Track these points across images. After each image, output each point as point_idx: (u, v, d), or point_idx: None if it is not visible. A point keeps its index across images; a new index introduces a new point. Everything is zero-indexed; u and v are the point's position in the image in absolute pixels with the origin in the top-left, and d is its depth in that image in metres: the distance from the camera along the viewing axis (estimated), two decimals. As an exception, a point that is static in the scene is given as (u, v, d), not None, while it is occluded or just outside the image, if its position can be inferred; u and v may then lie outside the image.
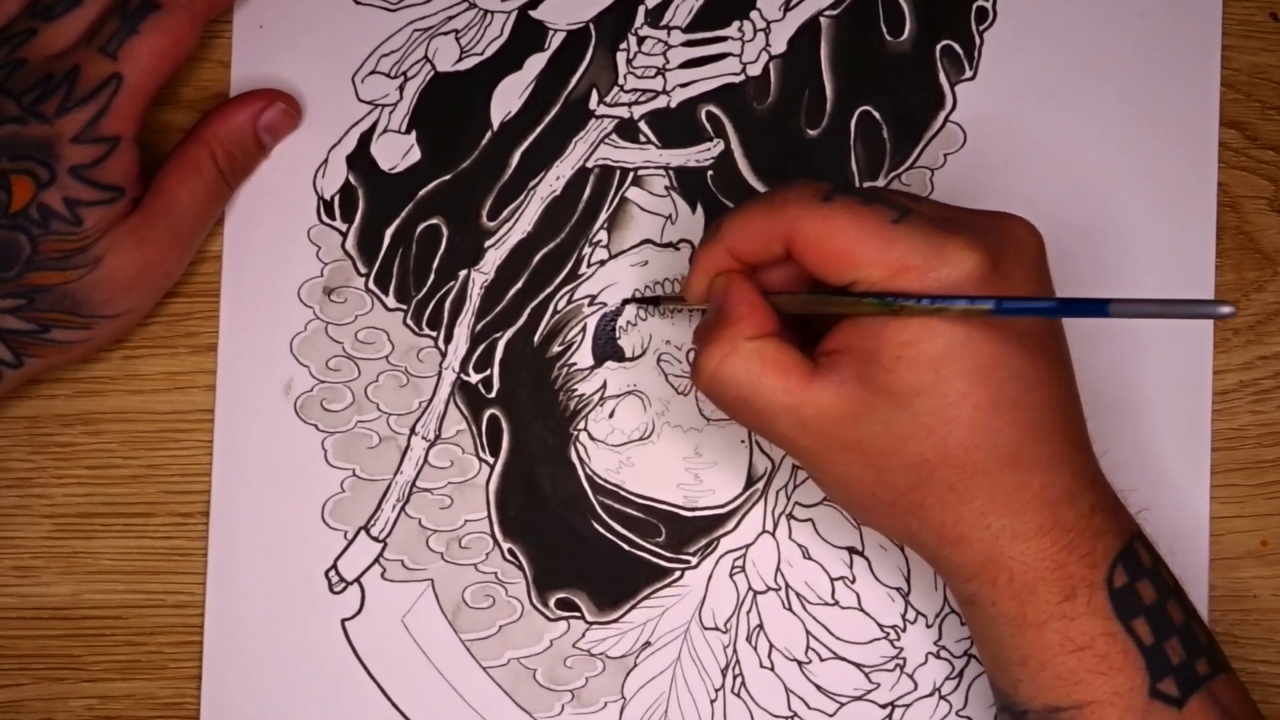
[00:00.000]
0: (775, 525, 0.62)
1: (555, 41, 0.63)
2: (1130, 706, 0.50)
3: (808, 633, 0.62)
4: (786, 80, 0.63)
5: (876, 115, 0.63)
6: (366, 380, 0.62)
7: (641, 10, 0.63)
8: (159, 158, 0.62)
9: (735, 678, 0.62)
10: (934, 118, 0.63)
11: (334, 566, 0.61)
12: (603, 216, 0.63)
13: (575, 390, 0.62)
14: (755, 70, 0.63)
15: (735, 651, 0.62)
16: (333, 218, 0.62)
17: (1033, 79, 0.63)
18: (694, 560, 0.62)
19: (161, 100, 0.62)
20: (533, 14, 0.63)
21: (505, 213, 0.62)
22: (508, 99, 0.63)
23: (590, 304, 0.62)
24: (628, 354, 0.62)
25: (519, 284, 0.62)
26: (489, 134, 0.62)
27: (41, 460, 0.62)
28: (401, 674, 0.61)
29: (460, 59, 0.63)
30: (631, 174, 0.63)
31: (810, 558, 0.62)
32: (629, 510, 0.62)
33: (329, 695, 0.61)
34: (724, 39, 0.63)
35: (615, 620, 0.62)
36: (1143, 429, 0.62)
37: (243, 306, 0.62)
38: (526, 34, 0.63)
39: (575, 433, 0.62)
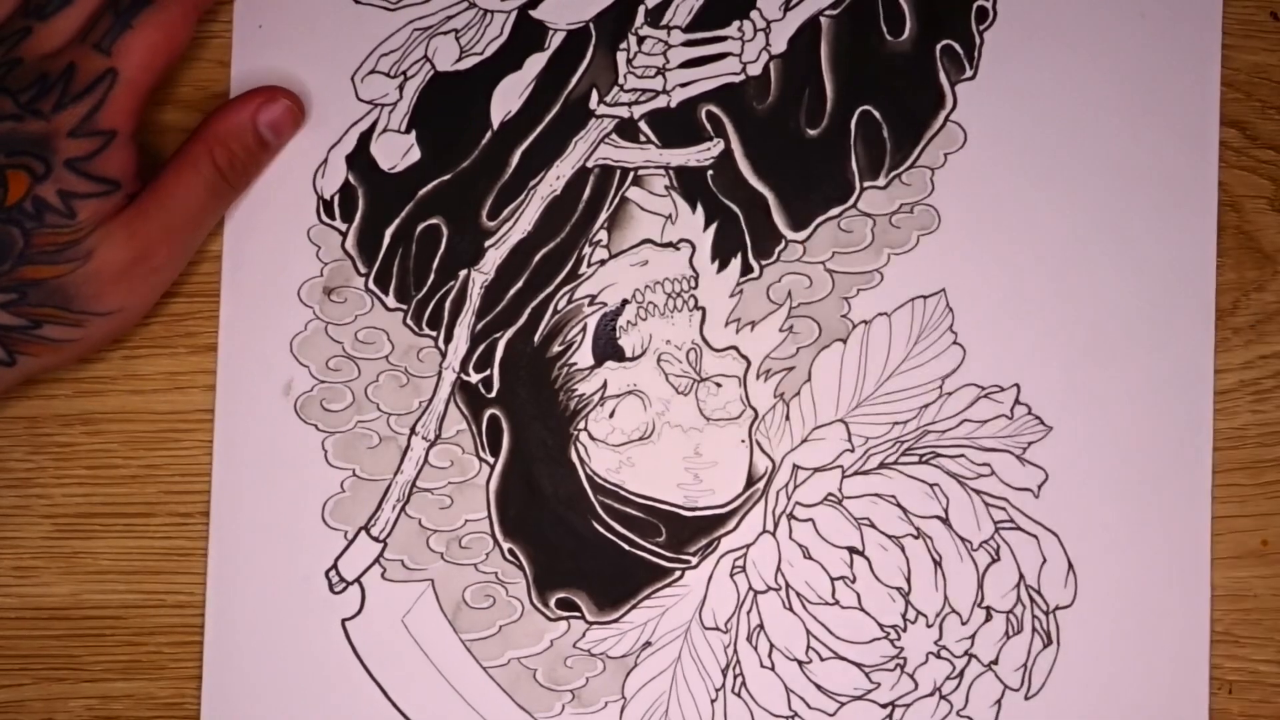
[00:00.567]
0: (775, 525, 0.62)
1: (555, 41, 0.63)
2: None
3: (808, 632, 0.62)
4: (787, 80, 0.63)
5: (877, 115, 0.63)
6: (366, 380, 0.62)
7: (641, 10, 0.63)
8: (159, 158, 0.62)
9: (736, 677, 0.62)
10: (934, 117, 0.63)
11: (334, 566, 0.61)
12: (603, 216, 0.63)
13: (575, 390, 0.62)
14: (755, 70, 0.63)
15: (736, 651, 0.62)
16: (333, 217, 0.62)
17: (1033, 79, 0.63)
18: (694, 560, 0.62)
19: (161, 100, 0.62)
20: (533, 14, 0.63)
21: (505, 212, 0.62)
22: (508, 99, 0.62)
23: (590, 304, 0.62)
24: (628, 354, 0.62)
25: (519, 284, 0.62)
26: (489, 134, 0.62)
27: (41, 460, 0.62)
28: (401, 674, 0.61)
29: (460, 59, 0.63)
30: (631, 174, 0.63)
31: (810, 557, 0.62)
32: (629, 510, 0.62)
33: (329, 695, 0.61)
34: (724, 39, 0.63)
35: (615, 620, 0.62)
36: (1143, 429, 0.62)
37: (243, 306, 0.62)
38: (526, 34, 0.63)
39: (575, 433, 0.62)
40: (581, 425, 0.62)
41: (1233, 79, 0.63)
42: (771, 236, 0.62)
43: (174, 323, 0.62)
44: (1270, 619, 0.62)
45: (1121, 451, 0.62)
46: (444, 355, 0.62)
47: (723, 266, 0.62)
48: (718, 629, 0.62)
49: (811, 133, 0.63)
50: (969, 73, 0.63)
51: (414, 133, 0.62)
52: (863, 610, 0.62)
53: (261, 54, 0.63)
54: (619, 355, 0.62)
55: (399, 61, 0.63)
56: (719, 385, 0.62)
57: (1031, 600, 0.61)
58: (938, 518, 0.62)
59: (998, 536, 0.62)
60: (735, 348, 0.62)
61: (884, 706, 0.61)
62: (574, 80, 0.63)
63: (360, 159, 0.62)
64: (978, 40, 0.63)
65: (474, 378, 0.62)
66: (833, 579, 0.62)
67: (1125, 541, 0.61)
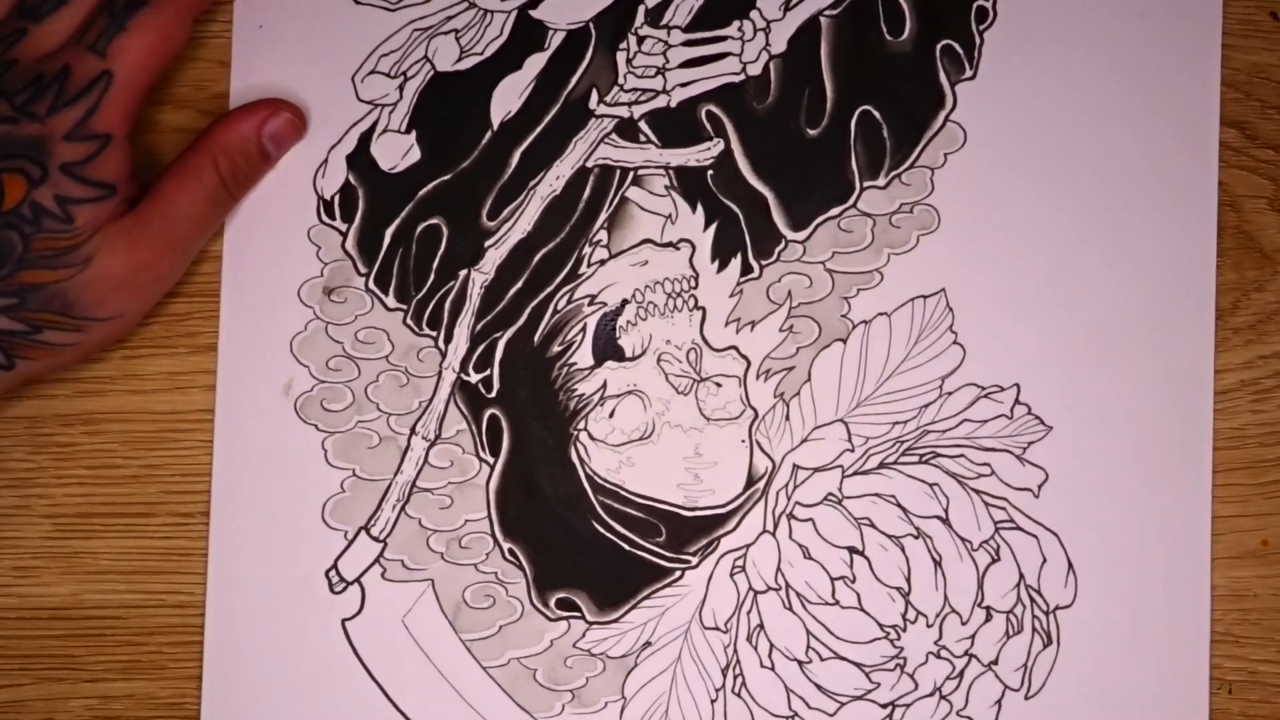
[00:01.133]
0: (775, 525, 0.62)
1: (555, 41, 0.63)
2: None
3: (808, 632, 0.62)
4: (786, 80, 0.63)
5: (877, 115, 0.63)
6: (366, 380, 0.62)
7: (641, 10, 0.63)
8: (157, 158, 0.62)
9: (736, 677, 0.62)
10: (934, 117, 0.63)
11: (334, 566, 0.61)
12: (603, 216, 0.63)
13: (575, 390, 0.62)
14: (755, 70, 0.63)
15: (736, 651, 0.62)
16: (333, 217, 0.62)
17: (1033, 78, 0.63)
18: (694, 560, 0.62)
19: (160, 100, 0.62)
20: (533, 14, 0.63)
21: (505, 212, 0.62)
22: (508, 99, 0.63)
23: (590, 304, 0.62)
24: (628, 354, 0.62)
25: (519, 284, 0.62)
26: (489, 134, 0.62)
27: (41, 460, 0.62)
28: (402, 674, 0.61)
29: (460, 59, 0.63)
30: (631, 173, 0.63)
31: (810, 557, 0.62)
32: (629, 510, 0.62)
33: (329, 695, 0.61)
34: (724, 38, 0.63)
35: (615, 620, 0.62)
36: (1143, 429, 0.62)
37: (243, 306, 0.62)
38: (526, 34, 0.63)
39: (575, 432, 0.62)
40: (581, 425, 0.62)
41: (1233, 79, 0.63)
42: (771, 236, 0.62)
43: (174, 323, 0.62)
44: (1270, 619, 0.62)
45: (1121, 451, 0.62)
46: (444, 355, 0.62)
47: (723, 266, 0.63)
48: (718, 629, 0.62)
49: (811, 133, 0.63)
50: (969, 73, 0.63)
51: (414, 133, 0.63)
52: (863, 610, 0.62)
53: (261, 54, 0.63)
54: (619, 355, 0.62)
55: (399, 62, 0.63)
56: (719, 385, 0.62)
57: (1031, 600, 0.61)
58: (938, 518, 0.62)
59: (998, 536, 0.62)
60: (735, 348, 0.62)
61: (884, 706, 0.61)
62: (574, 80, 0.63)
63: (360, 159, 0.62)
64: (978, 40, 0.63)
65: (474, 378, 0.62)
66: (833, 579, 0.62)
67: (1125, 541, 0.61)
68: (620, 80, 0.63)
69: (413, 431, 0.62)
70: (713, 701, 0.62)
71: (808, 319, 0.62)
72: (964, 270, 0.62)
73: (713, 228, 0.63)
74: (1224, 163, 0.63)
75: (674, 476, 0.62)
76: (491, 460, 0.62)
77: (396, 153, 0.62)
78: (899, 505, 0.62)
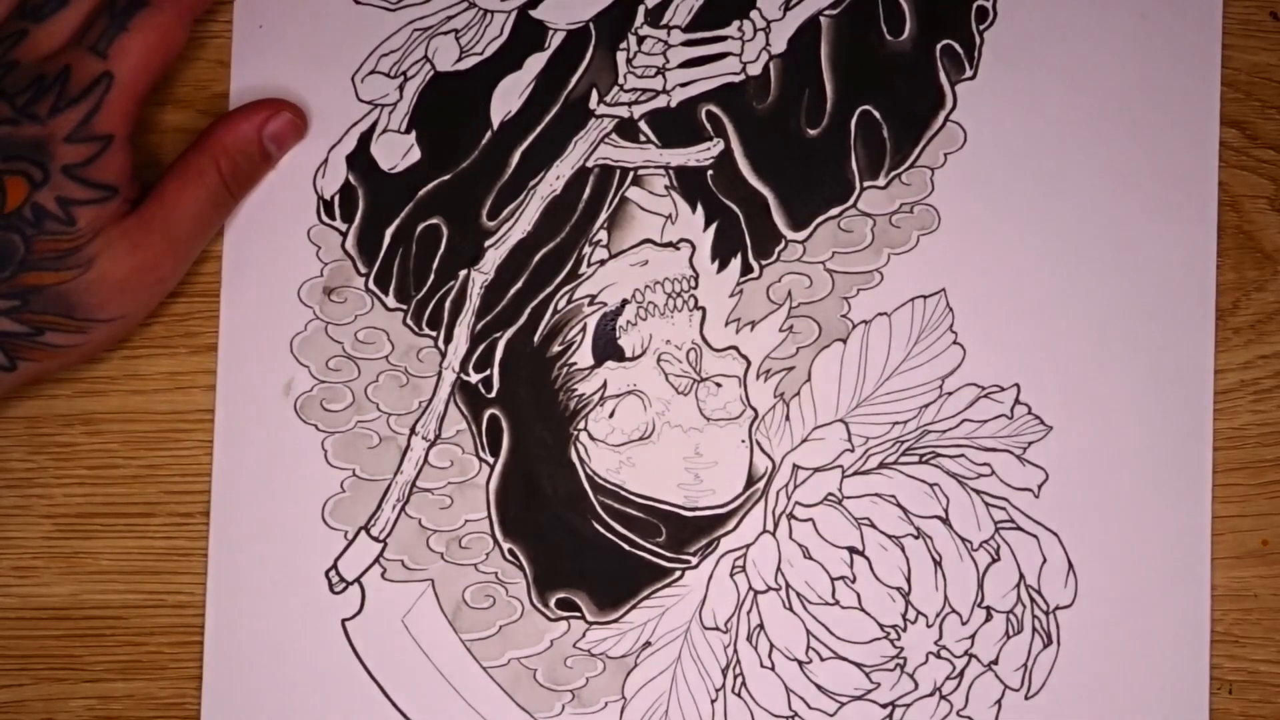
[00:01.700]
0: (775, 525, 0.62)
1: (555, 41, 0.63)
2: None
3: (808, 632, 0.62)
4: (786, 80, 0.63)
5: (877, 115, 0.63)
6: (366, 380, 0.62)
7: (641, 10, 0.63)
8: (157, 159, 0.62)
9: (736, 677, 0.62)
10: (934, 117, 0.63)
11: (334, 566, 0.61)
12: (603, 216, 0.63)
13: (575, 390, 0.62)
14: (755, 70, 0.63)
15: (736, 651, 0.62)
16: (333, 218, 0.62)
17: (1033, 78, 0.63)
18: (694, 560, 0.62)
19: (160, 100, 0.62)
20: (532, 13, 0.63)
21: (505, 212, 0.62)
22: (508, 99, 0.63)
23: (590, 304, 0.62)
24: (628, 354, 0.62)
25: (519, 284, 0.62)
26: (489, 134, 0.62)
27: (42, 460, 0.62)
28: (402, 674, 0.61)
29: (460, 59, 0.63)
30: (631, 173, 0.63)
31: (810, 557, 0.62)
32: (629, 510, 0.62)
33: (329, 695, 0.61)
34: (724, 38, 0.63)
35: (615, 620, 0.62)
36: (1143, 429, 0.62)
37: (243, 306, 0.62)
38: (526, 34, 0.63)
39: (575, 432, 0.62)
40: (581, 425, 0.62)
41: (1233, 79, 0.63)
42: (771, 236, 0.62)
43: (174, 323, 0.62)
44: (1270, 619, 0.62)
45: (1121, 451, 0.62)
46: (444, 355, 0.62)
47: (723, 266, 0.63)
48: (718, 629, 0.62)
49: (811, 133, 0.63)
50: (969, 73, 0.63)
51: (414, 133, 0.63)
52: (863, 610, 0.62)
53: (261, 54, 0.63)
54: (619, 355, 0.62)
55: (399, 62, 0.63)
56: (719, 385, 0.62)
57: (1031, 600, 0.61)
58: (938, 518, 0.62)
59: (998, 536, 0.62)
60: (735, 348, 0.62)
61: (884, 706, 0.61)
62: (574, 80, 0.63)
63: (360, 159, 0.62)
64: (978, 40, 0.63)
65: (474, 378, 0.62)
66: (833, 579, 0.62)
67: (1125, 541, 0.61)
68: (620, 80, 0.63)
69: (413, 431, 0.62)
70: (713, 701, 0.62)
71: (808, 319, 0.62)
72: (964, 270, 0.62)
73: (713, 228, 0.63)
74: (1224, 163, 0.63)
75: (674, 476, 0.62)
76: (491, 460, 0.62)
77: (396, 153, 0.62)
78: (899, 505, 0.62)
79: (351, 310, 0.62)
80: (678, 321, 0.62)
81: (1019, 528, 0.62)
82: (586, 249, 0.62)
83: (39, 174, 0.55)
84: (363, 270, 0.62)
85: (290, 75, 0.62)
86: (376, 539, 0.61)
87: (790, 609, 0.62)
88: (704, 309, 0.62)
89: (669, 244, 0.63)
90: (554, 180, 0.62)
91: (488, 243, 0.62)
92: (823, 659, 0.61)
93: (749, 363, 0.62)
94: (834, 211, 0.62)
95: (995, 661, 0.61)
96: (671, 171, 0.63)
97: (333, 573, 0.61)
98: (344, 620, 0.61)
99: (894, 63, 0.63)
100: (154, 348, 0.62)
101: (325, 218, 0.62)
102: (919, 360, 0.62)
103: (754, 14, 0.63)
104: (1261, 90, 0.63)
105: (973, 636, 0.61)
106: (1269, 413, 0.62)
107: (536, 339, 0.62)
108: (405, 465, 0.62)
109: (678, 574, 0.62)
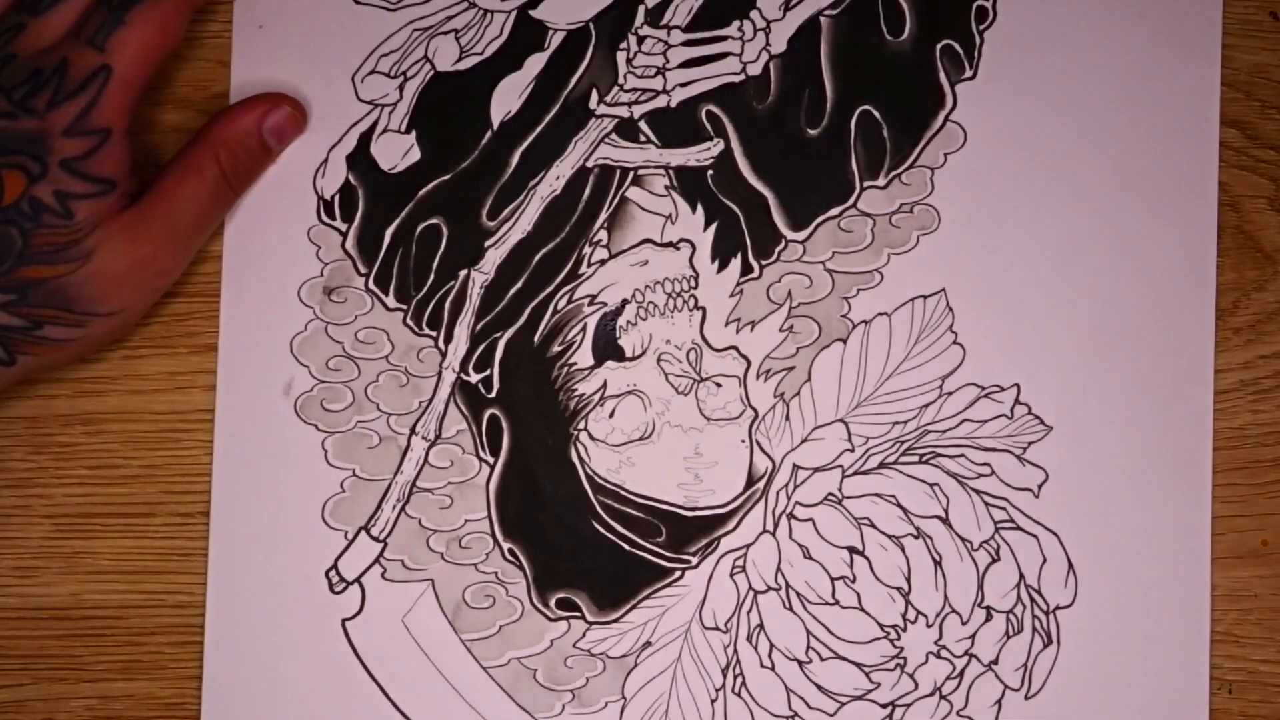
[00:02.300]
0: (776, 525, 0.62)
1: (555, 41, 0.63)
2: None
3: (808, 632, 0.62)
4: (786, 80, 0.63)
5: (877, 115, 0.63)
6: (366, 380, 0.62)
7: (641, 10, 0.63)
8: (157, 158, 0.62)
9: (736, 677, 0.62)
10: (934, 117, 0.63)
11: (334, 566, 0.61)
12: (603, 216, 0.63)
13: (575, 390, 0.62)
14: (755, 70, 0.63)
15: (736, 651, 0.62)
16: (333, 217, 0.62)
17: (1033, 78, 0.63)
18: (694, 560, 0.62)
19: (160, 99, 0.62)
20: (532, 13, 0.63)
21: (505, 212, 0.62)
22: (508, 99, 0.63)
23: (590, 303, 0.62)
24: (628, 354, 0.62)
25: (519, 284, 0.62)
26: (489, 134, 0.62)
27: (42, 460, 0.62)
28: (402, 674, 0.61)
29: (460, 59, 0.63)
30: (631, 173, 0.63)
31: (811, 557, 0.62)
32: (629, 510, 0.62)
33: (329, 695, 0.61)
34: (724, 38, 0.63)
35: (616, 620, 0.62)
36: (1143, 429, 0.62)
37: (243, 306, 0.62)
38: (526, 33, 0.63)
39: (575, 432, 0.62)
40: (581, 425, 0.62)
41: (1233, 79, 0.63)
42: (771, 236, 0.62)
43: (174, 323, 0.62)
44: (1270, 619, 0.62)
45: (1121, 451, 0.62)
46: (444, 355, 0.62)
47: (723, 266, 0.63)
48: (718, 629, 0.62)
49: (811, 133, 0.63)
50: (969, 73, 0.63)
51: (414, 133, 0.63)
52: (863, 610, 0.62)
53: (261, 54, 0.63)
54: (619, 355, 0.62)
55: (399, 62, 0.63)
56: (719, 385, 0.62)
57: (1031, 600, 0.61)
58: (938, 518, 0.62)
59: (998, 536, 0.62)
60: (735, 348, 0.62)
61: (884, 706, 0.61)
62: (574, 80, 0.63)
63: (360, 159, 0.62)
64: (978, 40, 0.63)
65: (474, 378, 0.62)
66: (833, 579, 0.62)
67: (1125, 541, 0.61)
68: (620, 80, 0.63)
69: (413, 431, 0.62)
70: (713, 701, 0.62)
71: (808, 319, 0.62)
72: (964, 270, 0.62)
73: (713, 228, 0.63)
74: (1224, 163, 0.63)
75: (674, 476, 0.62)
76: (491, 460, 0.62)
77: (396, 153, 0.62)
78: (899, 505, 0.62)
79: (352, 310, 0.62)
80: (678, 321, 0.62)
81: (1019, 528, 0.62)
82: (586, 249, 0.62)
83: (37, 168, 0.55)
84: (363, 270, 0.62)
85: (290, 75, 0.62)
86: (377, 539, 0.61)
87: (790, 609, 0.62)
88: (704, 309, 0.62)
89: (669, 244, 0.63)
90: (554, 180, 0.62)
91: (488, 243, 0.62)
92: (823, 659, 0.61)
93: (749, 363, 0.62)
94: (834, 211, 0.62)
95: (995, 661, 0.61)
96: (671, 171, 0.63)
97: (333, 573, 0.61)
98: (344, 620, 0.61)
99: (894, 63, 0.63)
100: (154, 347, 0.62)
101: (325, 218, 0.62)
102: (919, 360, 0.62)
103: (754, 14, 0.63)
104: (1261, 90, 0.63)
105: (973, 636, 0.61)
106: (1269, 413, 0.62)
107: (536, 339, 0.62)
108: (405, 465, 0.62)
109: (678, 574, 0.62)
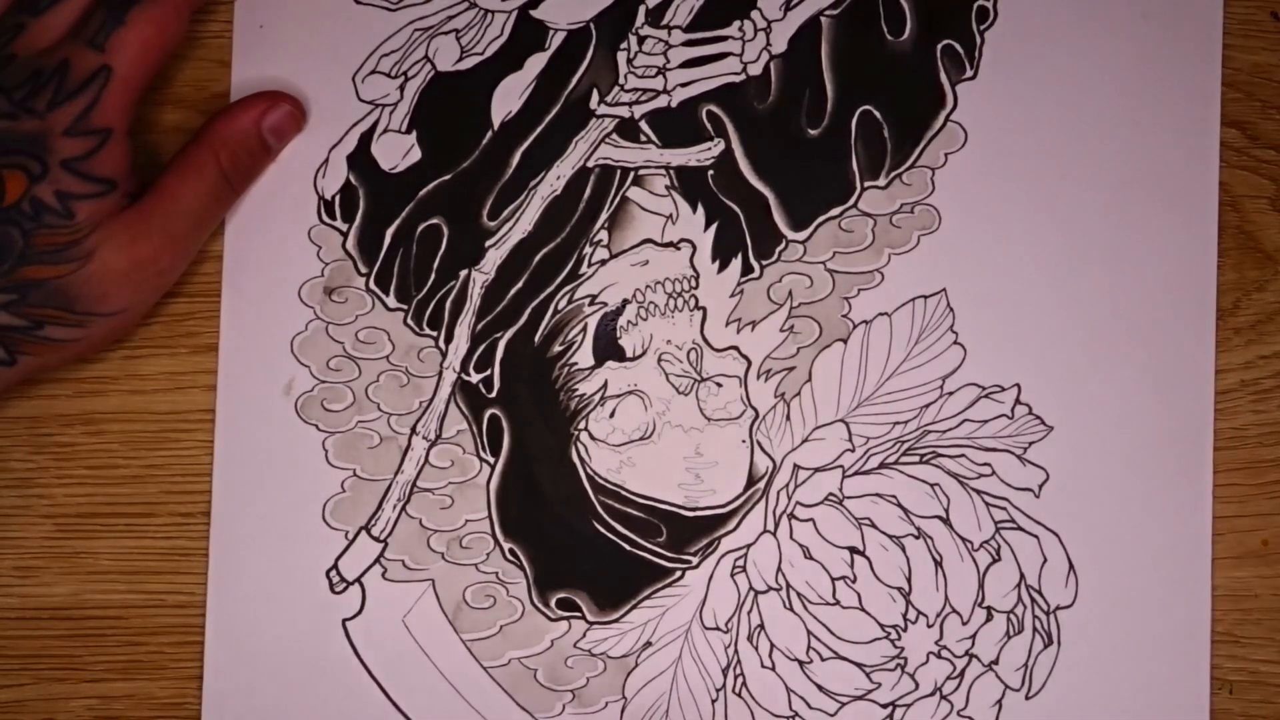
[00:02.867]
0: (776, 525, 0.62)
1: (555, 41, 0.63)
2: None
3: (808, 632, 0.62)
4: (787, 80, 0.63)
5: (877, 115, 0.63)
6: (367, 380, 0.62)
7: (642, 10, 0.63)
8: (157, 158, 0.62)
9: (736, 677, 0.62)
10: (935, 117, 0.63)
11: (335, 566, 0.61)
12: (603, 216, 0.63)
13: (576, 390, 0.62)
14: (756, 70, 0.63)
15: (736, 651, 0.62)
16: (333, 217, 0.62)
17: (1033, 78, 0.63)
18: (695, 560, 0.62)
19: (160, 99, 0.62)
20: (533, 14, 0.63)
21: (506, 212, 0.62)
22: (508, 99, 0.63)
23: (591, 304, 0.62)
24: (628, 354, 0.62)
25: (519, 284, 0.62)
26: (489, 134, 0.62)
27: (42, 460, 0.62)
28: (402, 674, 0.61)
29: (460, 59, 0.63)
30: (632, 174, 0.63)
31: (811, 557, 0.62)
32: (630, 510, 0.62)
33: (329, 695, 0.61)
34: (724, 38, 0.63)
35: (616, 620, 0.62)
36: (1143, 429, 0.62)
37: (243, 306, 0.62)
38: (527, 34, 0.63)
39: (576, 433, 0.62)
40: (582, 425, 0.62)
41: (1233, 79, 0.63)
42: (772, 236, 0.62)
43: (175, 323, 0.62)
44: (1271, 619, 0.62)
45: (1121, 451, 0.62)
46: (444, 355, 0.62)
47: (723, 266, 0.63)
48: (718, 629, 0.62)
49: (812, 133, 0.63)
50: (969, 73, 0.63)
51: (415, 133, 0.63)
52: (863, 610, 0.62)
53: (262, 54, 0.63)
54: (619, 355, 0.62)
55: (400, 62, 0.63)
56: (719, 385, 0.62)
57: (1032, 600, 0.61)
58: (938, 518, 0.62)
59: (998, 536, 0.62)
60: (736, 348, 0.62)
61: (884, 706, 0.61)
62: (574, 80, 0.63)
63: (361, 159, 0.62)
64: (978, 40, 0.63)
65: (474, 378, 0.62)
66: (833, 579, 0.62)
67: (1125, 541, 0.61)
68: (621, 80, 0.63)
69: (413, 431, 0.62)
70: (713, 701, 0.62)
71: (808, 319, 0.62)
72: (964, 270, 0.62)
73: (713, 228, 0.63)
74: (1225, 163, 0.63)
75: (674, 476, 0.62)
76: (492, 460, 0.62)
77: (397, 153, 0.62)
78: (899, 505, 0.62)
79: (352, 310, 0.62)
80: (678, 321, 0.62)
81: (1019, 528, 0.62)
82: (587, 249, 0.62)
83: (37, 168, 0.55)
84: (363, 270, 0.62)
85: (291, 75, 0.62)
86: (377, 539, 0.61)
87: (791, 609, 0.62)
88: (704, 309, 0.62)
89: (670, 244, 0.63)
90: (554, 180, 0.62)
91: (488, 243, 0.62)
92: (823, 659, 0.61)
93: (749, 363, 0.62)
94: (834, 211, 0.62)
95: (996, 661, 0.61)
96: (672, 171, 0.63)
97: (333, 573, 0.61)
98: (344, 620, 0.61)
99: (894, 63, 0.63)
100: (154, 347, 0.62)
101: (326, 218, 0.62)
102: (919, 360, 0.62)
103: (754, 14, 0.63)
104: (1262, 90, 0.63)
105: (973, 636, 0.62)
106: (1269, 413, 0.62)
107: (537, 339, 0.62)
108: (406, 465, 0.62)
109: (678, 574, 0.62)
